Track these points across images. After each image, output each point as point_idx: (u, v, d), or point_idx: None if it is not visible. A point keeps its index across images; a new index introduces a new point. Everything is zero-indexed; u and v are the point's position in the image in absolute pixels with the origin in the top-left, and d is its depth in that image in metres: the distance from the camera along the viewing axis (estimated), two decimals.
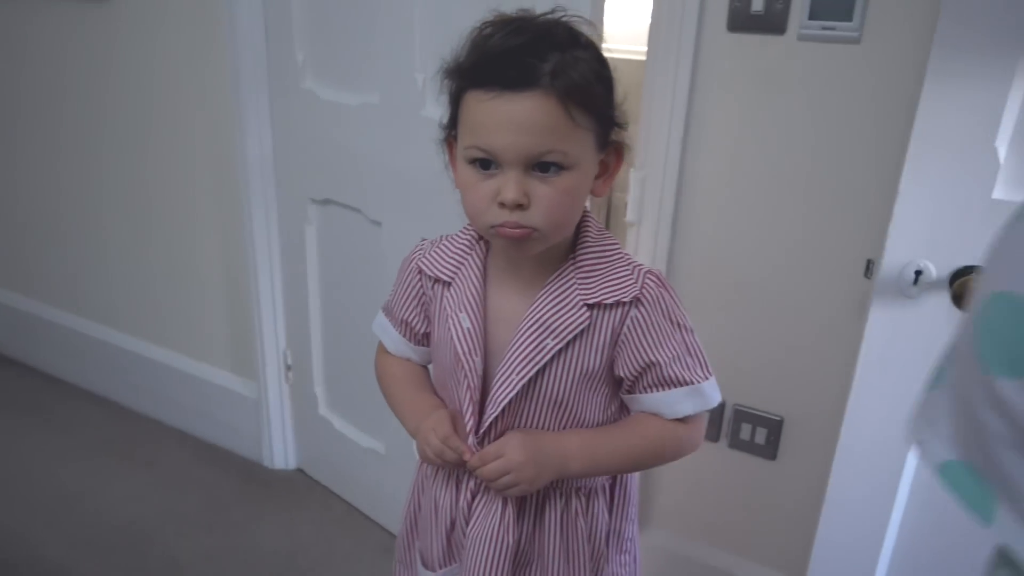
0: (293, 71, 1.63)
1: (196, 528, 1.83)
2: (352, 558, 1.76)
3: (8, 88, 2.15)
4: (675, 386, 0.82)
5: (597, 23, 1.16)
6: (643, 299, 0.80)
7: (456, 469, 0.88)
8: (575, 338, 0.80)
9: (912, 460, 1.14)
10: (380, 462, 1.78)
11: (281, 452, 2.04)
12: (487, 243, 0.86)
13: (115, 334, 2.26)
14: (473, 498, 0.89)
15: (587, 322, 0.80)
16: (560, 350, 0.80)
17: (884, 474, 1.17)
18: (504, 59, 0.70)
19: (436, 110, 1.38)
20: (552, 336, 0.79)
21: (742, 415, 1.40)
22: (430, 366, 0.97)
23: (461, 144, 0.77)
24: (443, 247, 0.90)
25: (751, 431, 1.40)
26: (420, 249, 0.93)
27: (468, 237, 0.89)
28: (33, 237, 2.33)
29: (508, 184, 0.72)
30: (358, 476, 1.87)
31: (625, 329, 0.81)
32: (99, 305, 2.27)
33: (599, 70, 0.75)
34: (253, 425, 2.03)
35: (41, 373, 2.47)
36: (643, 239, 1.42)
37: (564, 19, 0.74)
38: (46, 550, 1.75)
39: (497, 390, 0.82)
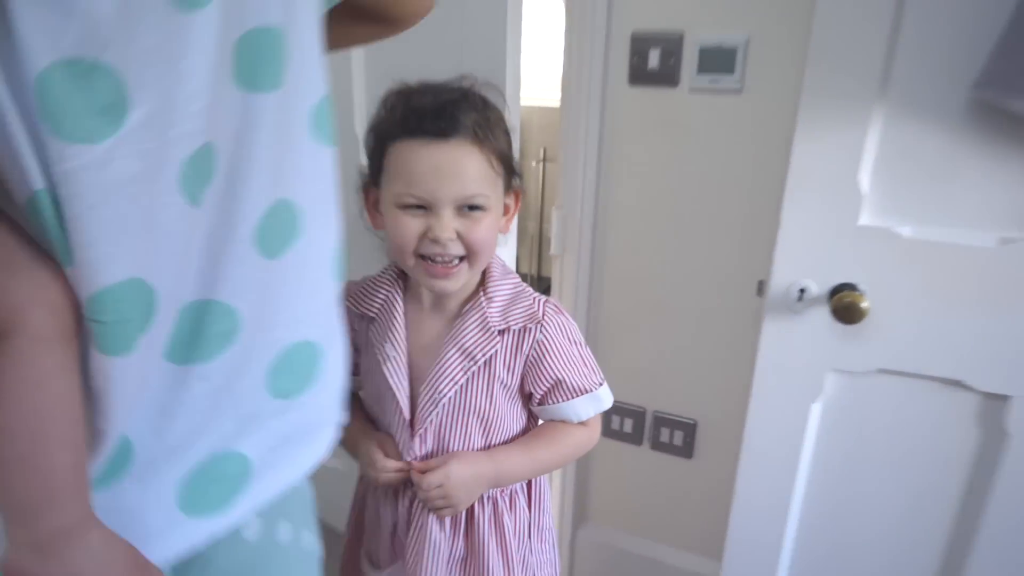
0: None
1: None
2: None
3: None
4: (578, 395, 0.86)
5: (513, 79, 1.15)
6: (545, 324, 0.83)
7: (396, 484, 0.89)
8: (490, 359, 0.82)
9: (807, 451, 1.15)
10: (333, 477, 1.72)
11: None
12: (405, 279, 0.88)
13: None
14: (411, 505, 0.90)
15: (499, 345, 0.82)
16: (477, 370, 0.82)
17: (784, 465, 1.18)
18: (433, 113, 0.73)
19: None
20: (470, 359, 0.82)
21: (661, 420, 1.40)
22: (360, 392, 0.96)
23: (391, 191, 0.77)
24: (366, 287, 0.90)
25: (669, 434, 1.41)
26: (346, 287, 0.90)
27: (389, 276, 0.89)
28: None
29: (441, 223, 0.74)
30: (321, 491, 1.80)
31: (532, 352, 0.83)
32: None
33: (505, 128, 0.78)
34: None
35: None
36: (567, 268, 1.42)
37: (474, 85, 0.78)
38: None
39: (423, 408, 0.83)
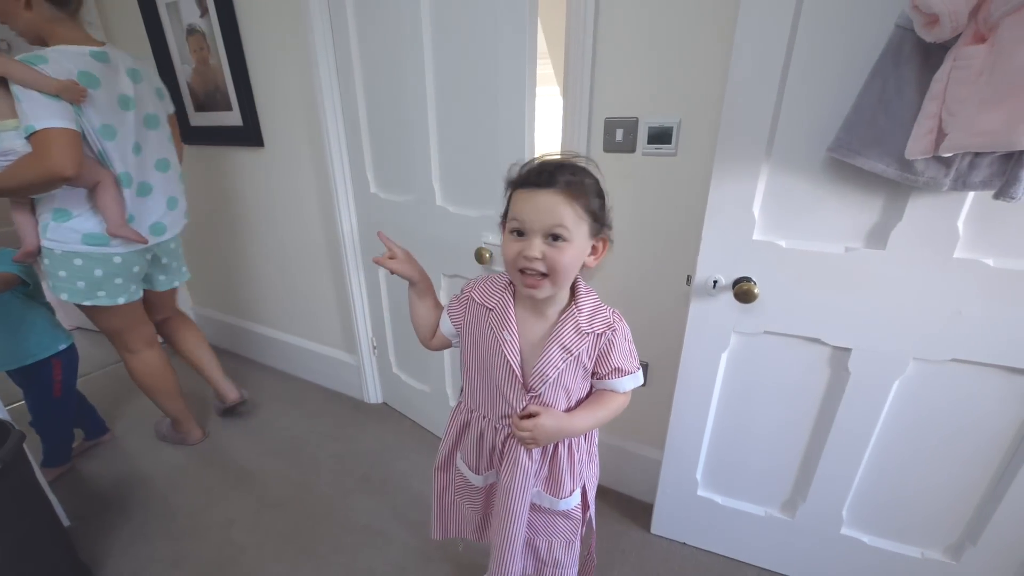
0: (365, 182, 1.61)
1: (328, 439, 1.81)
2: (415, 448, 1.74)
3: (211, 200, 2.12)
4: (625, 375, 0.82)
5: (529, 149, 1.15)
6: (615, 329, 0.79)
7: (499, 418, 0.85)
8: (579, 353, 0.79)
9: (718, 384, 1.14)
10: (426, 398, 1.76)
11: (374, 393, 2.00)
12: (514, 287, 0.82)
13: (282, 333, 2.22)
14: (507, 437, 0.86)
15: (587, 343, 0.79)
16: (572, 360, 0.79)
17: (703, 392, 1.17)
18: (538, 171, 0.70)
19: (444, 202, 1.38)
20: (568, 353, 0.78)
21: None
22: (457, 350, 0.92)
23: (507, 220, 0.74)
24: (487, 285, 0.84)
25: None
26: (473, 284, 0.86)
27: (503, 281, 0.83)
28: (235, 283, 2.30)
29: (531, 245, 0.70)
30: (416, 405, 1.84)
31: (602, 346, 0.80)
32: (276, 318, 2.23)
33: (596, 188, 0.73)
34: (357, 379, 2.00)
35: (238, 355, 2.43)
36: None
37: (578, 158, 0.74)
38: (245, 456, 1.72)
39: (533, 380, 0.79)
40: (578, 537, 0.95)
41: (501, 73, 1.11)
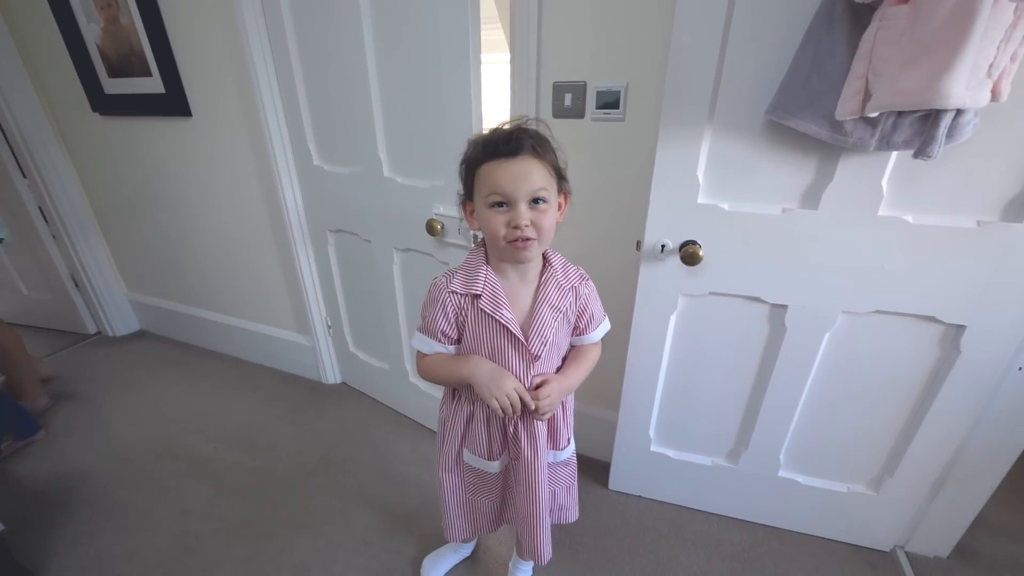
0: (307, 155, 1.52)
1: (285, 423, 1.76)
2: (376, 426, 1.72)
3: (136, 178, 1.95)
4: (599, 323, 0.87)
5: (477, 118, 1.11)
6: (585, 277, 0.85)
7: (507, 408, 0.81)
8: (566, 308, 0.82)
9: (668, 342, 1.18)
10: (386, 375, 1.74)
11: (331, 374, 1.95)
12: (488, 263, 0.80)
13: (230, 318, 2.11)
14: (517, 423, 0.86)
15: (570, 297, 0.82)
16: (560, 316, 0.81)
17: (654, 351, 1.20)
18: (503, 141, 0.70)
19: (392, 173, 1.33)
20: (556, 310, 0.81)
21: None
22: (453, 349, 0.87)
23: (481, 196, 0.73)
24: (462, 274, 0.80)
25: None
26: (443, 282, 0.80)
27: (476, 260, 0.81)
28: (174, 268, 2.15)
29: (519, 213, 0.71)
30: (376, 383, 1.82)
31: (582, 298, 0.84)
32: (222, 302, 2.12)
33: (552, 147, 0.74)
34: (313, 360, 1.94)
35: (183, 343, 2.30)
36: None
37: (531, 122, 0.74)
38: (196, 447, 1.65)
39: (535, 348, 0.80)
40: (575, 480, 1.01)
41: (443, 38, 1.05)
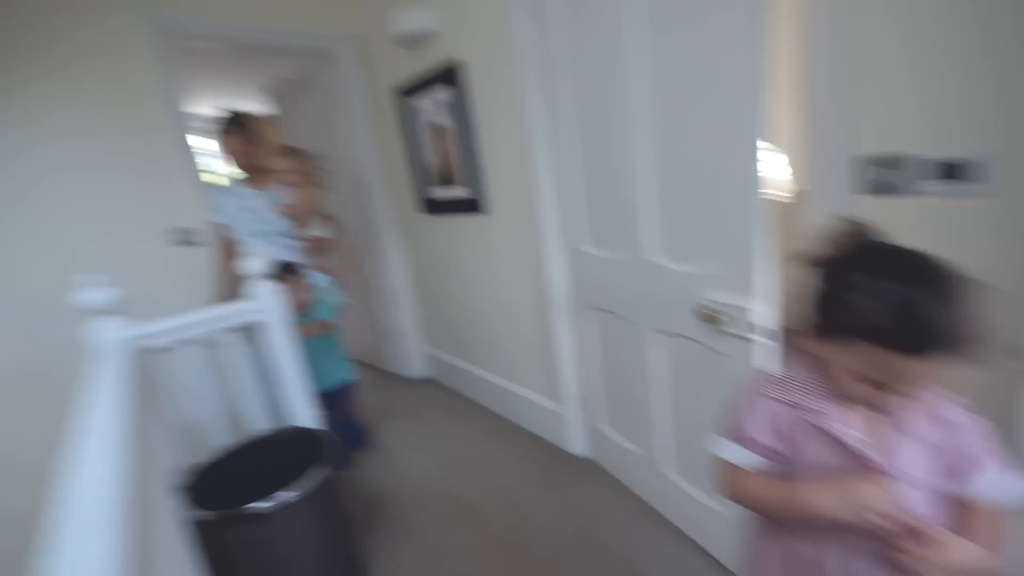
0: (576, 239, 1.67)
1: (538, 488, 1.85)
2: (622, 512, 1.65)
3: (441, 257, 2.49)
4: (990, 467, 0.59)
5: None
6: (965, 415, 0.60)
7: (864, 539, 0.59)
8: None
9: None
10: (636, 459, 1.67)
11: (578, 445, 1.99)
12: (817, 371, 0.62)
13: (495, 376, 2.43)
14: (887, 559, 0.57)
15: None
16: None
17: None
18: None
19: (659, 256, 1.32)
20: (927, 442, 0.59)
21: None
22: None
23: (852, 361, 0.55)
24: (793, 383, 0.64)
25: None
26: (778, 386, 0.65)
27: (805, 372, 0.64)
28: (458, 329, 2.64)
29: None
30: (624, 464, 1.76)
31: (958, 433, 0.60)
32: (490, 362, 2.46)
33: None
34: (562, 428, 2.03)
35: (458, 393, 2.73)
36: None
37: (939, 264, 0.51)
38: (469, 492, 1.88)
39: (890, 473, 0.58)
40: None
41: (727, 128, 1.03)
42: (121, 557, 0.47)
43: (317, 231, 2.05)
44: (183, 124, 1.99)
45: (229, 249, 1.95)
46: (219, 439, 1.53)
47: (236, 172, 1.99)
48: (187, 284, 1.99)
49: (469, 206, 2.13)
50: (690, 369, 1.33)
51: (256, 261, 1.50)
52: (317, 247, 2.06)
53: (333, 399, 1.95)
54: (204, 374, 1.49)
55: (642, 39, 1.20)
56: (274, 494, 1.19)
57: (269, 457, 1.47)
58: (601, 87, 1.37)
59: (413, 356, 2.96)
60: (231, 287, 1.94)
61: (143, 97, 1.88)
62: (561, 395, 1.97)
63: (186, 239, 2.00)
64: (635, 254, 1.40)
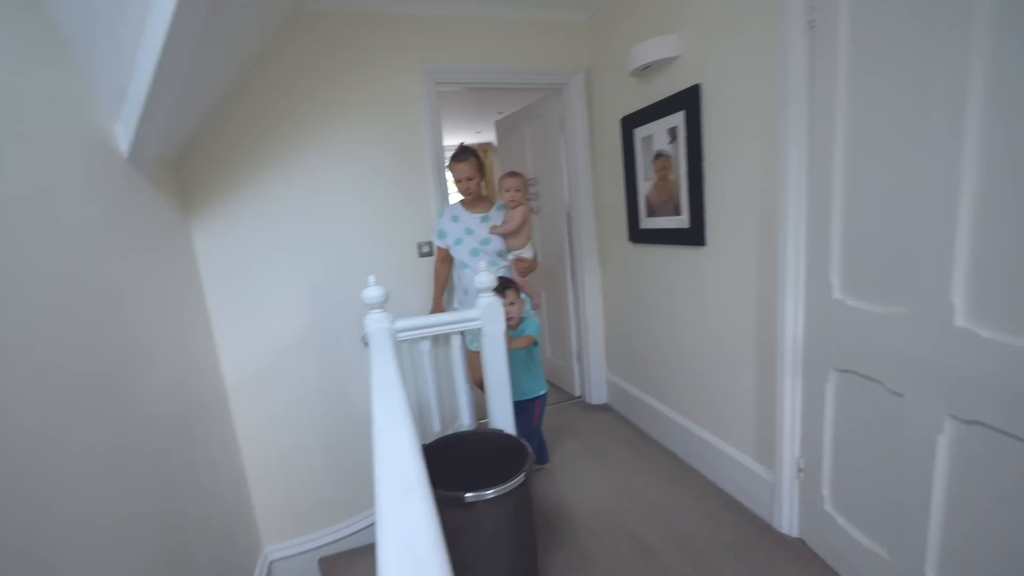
0: (824, 286, 1.44)
1: (731, 557, 1.64)
2: None
3: (640, 286, 2.44)
4: None
5: None
6: None
7: None
8: None
9: None
10: (879, 563, 1.33)
11: (788, 522, 1.70)
12: None
13: (685, 419, 2.27)
14: None
15: None
16: None
17: None
18: None
19: (970, 320, 1.03)
20: None
21: None
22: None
23: None
24: None
25: None
26: None
27: None
28: (646, 360, 2.55)
29: None
30: (857, 564, 1.43)
31: None
32: (682, 402, 2.32)
33: None
34: (768, 498, 1.76)
35: (636, 426, 2.63)
36: None
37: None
38: (647, 534, 1.78)
39: None
40: None
41: None
42: (431, 514, 0.55)
43: (526, 252, 2.22)
44: (440, 152, 2.38)
45: (446, 264, 2.27)
46: (434, 426, 1.75)
47: (459, 195, 2.26)
48: (426, 288, 2.35)
49: (682, 236, 2.04)
50: (994, 472, 1.00)
51: (485, 276, 1.68)
52: (524, 268, 2.22)
53: (523, 409, 2.06)
54: (429, 368, 1.72)
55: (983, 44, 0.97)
56: (482, 490, 1.29)
57: (476, 451, 1.62)
58: (897, 107, 1.16)
59: (594, 381, 2.95)
60: (445, 297, 2.28)
61: (416, 127, 2.30)
62: (773, 460, 1.71)
63: (428, 251, 2.37)
64: (927, 310, 1.14)
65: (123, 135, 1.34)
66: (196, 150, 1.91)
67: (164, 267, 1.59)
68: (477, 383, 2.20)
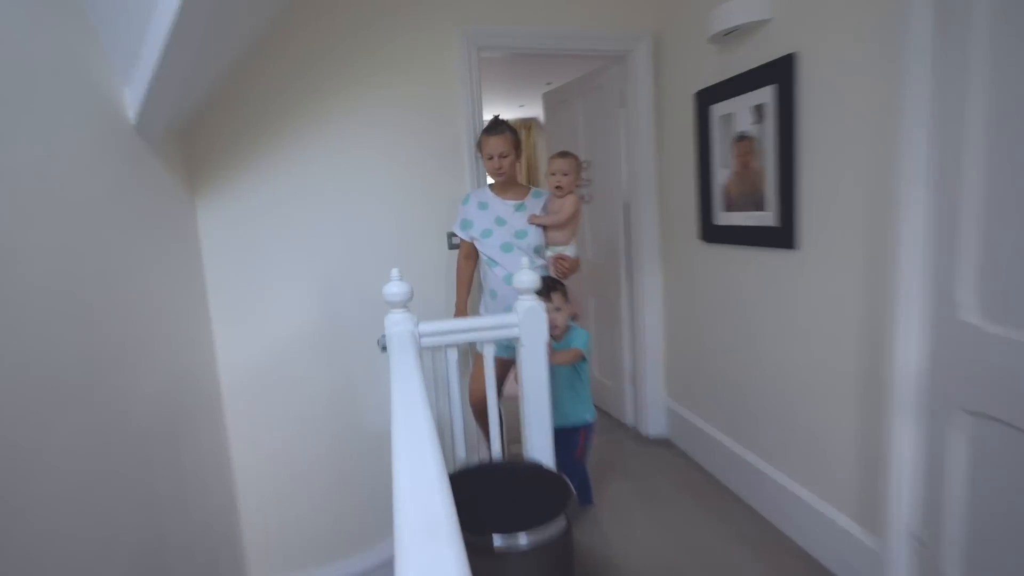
0: (951, 305, 1.34)
1: None
2: None
3: (713, 296, 2.37)
4: None
5: None
6: None
7: None
8: None
9: None
10: None
11: None
12: None
13: (762, 463, 2.18)
14: None
15: None
16: None
17: None
18: None
19: None
20: None
21: None
22: None
23: None
24: None
25: None
26: None
27: None
28: (716, 386, 2.47)
29: None
30: None
31: None
32: (758, 441, 2.23)
33: None
34: (872, 571, 1.65)
35: (702, 468, 2.55)
36: None
37: None
38: None
39: None
40: None
41: None
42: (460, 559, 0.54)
43: (569, 250, 2.15)
44: (480, 129, 2.38)
45: (471, 261, 2.22)
46: (458, 451, 1.75)
47: (489, 177, 2.23)
48: (454, 286, 2.37)
49: (768, 236, 1.96)
50: None
51: (527, 274, 1.66)
52: (566, 269, 2.13)
53: (565, 438, 2.03)
54: (456, 382, 1.71)
55: None
56: (512, 533, 1.27)
57: (506, 486, 1.61)
58: None
59: (651, 409, 2.88)
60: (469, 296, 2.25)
61: (453, 101, 2.32)
62: (881, 525, 1.61)
63: (459, 243, 2.38)
64: None
65: (132, 100, 1.41)
66: (207, 119, 1.99)
67: (166, 254, 1.67)
68: (476, 403, 2.13)
